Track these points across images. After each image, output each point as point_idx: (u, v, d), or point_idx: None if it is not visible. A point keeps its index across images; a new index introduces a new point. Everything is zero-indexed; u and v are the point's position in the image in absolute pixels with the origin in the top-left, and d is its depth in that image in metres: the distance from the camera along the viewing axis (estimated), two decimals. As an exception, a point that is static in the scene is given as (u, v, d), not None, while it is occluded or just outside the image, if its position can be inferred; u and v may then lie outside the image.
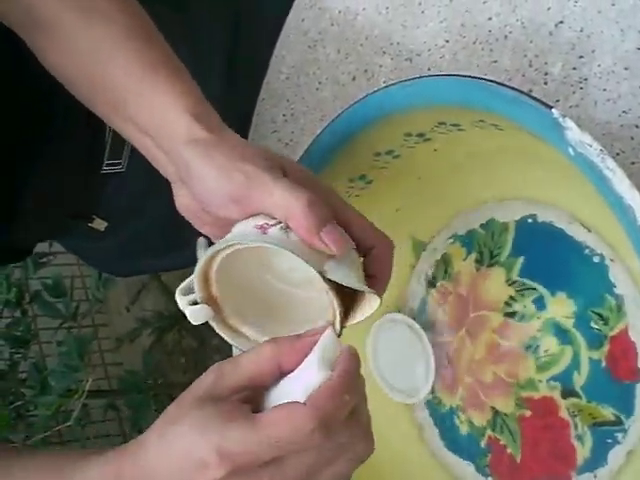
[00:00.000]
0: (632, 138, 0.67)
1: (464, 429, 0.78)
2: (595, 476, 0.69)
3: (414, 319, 0.81)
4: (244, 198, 0.57)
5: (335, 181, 0.76)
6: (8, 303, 1.81)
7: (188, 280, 0.59)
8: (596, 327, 0.67)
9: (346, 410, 0.50)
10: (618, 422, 0.67)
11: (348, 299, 0.57)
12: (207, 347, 2.56)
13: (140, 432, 0.55)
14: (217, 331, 0.60)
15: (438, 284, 0.80)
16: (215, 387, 0.52)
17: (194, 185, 0.60)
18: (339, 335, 0.56)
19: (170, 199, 0.67)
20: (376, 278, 0.60)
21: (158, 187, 0.70)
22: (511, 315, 0.73)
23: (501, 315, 0.74)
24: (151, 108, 0.63)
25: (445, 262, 0.79)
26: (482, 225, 0.75)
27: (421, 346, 0.79)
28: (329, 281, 0.54)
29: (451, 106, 0.62)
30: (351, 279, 0.55)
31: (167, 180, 0.68)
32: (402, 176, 0.77)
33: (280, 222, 0.56)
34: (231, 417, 0.49)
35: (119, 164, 0.94)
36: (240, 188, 0.57)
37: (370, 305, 0.57)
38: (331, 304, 0.56)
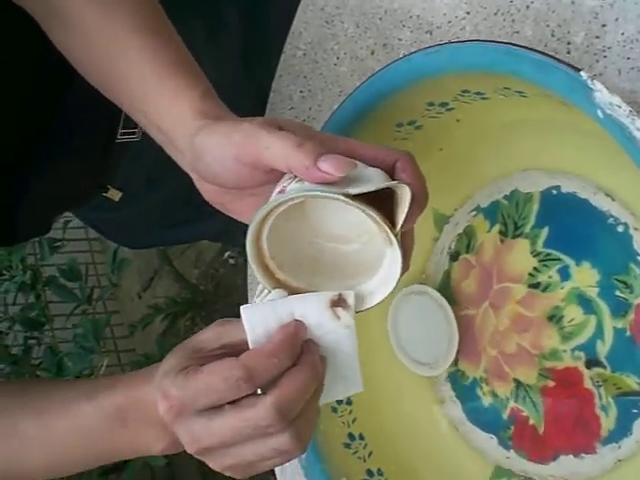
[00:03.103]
0: (657, 107, 0.66)
1: (487, 401, 0.77)
2: (620, 447, 0.69)
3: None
4: (248, 156, 0.59)
5: (357, 153, 0.75)
6: (23, 286, 1.81)
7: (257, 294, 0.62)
8: (621, 295, 0.67)
9: (272, 370, 0.56)
10: (643, 392, 0.66)
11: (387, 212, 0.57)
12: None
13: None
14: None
15: (461, 257, 0.80)
16: (198, 343, 0.60)
17: (206, 166, 0.63)
18: (396, 236, 0.57)
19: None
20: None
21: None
22: (535, 286, 0.73)
23: (525, 286, 0.74)
24: (160, 107, 0.67)
25: (468, 235, 0.79)
26: (506, 196, 0.75)
27: (444, 318, 0.79)
28: (358, 199, 0.54)
29: (476, 72, 0.62)
30: (373, 184, 0.56)
31: None
32: (424, 148, 0.76)
33: (295, 177, 0.58)
34: (183, 369, 0.58)
35: (134, 133, 0.94)
36: (241, 147, 0.59)
37: (404, 201, 0.56)
38: (375, 222, 0.56)
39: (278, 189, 0.59)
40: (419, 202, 0.59)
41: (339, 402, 0.82)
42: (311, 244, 0.63)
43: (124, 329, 2.88)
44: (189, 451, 0.60)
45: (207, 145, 0.62)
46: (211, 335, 0.60)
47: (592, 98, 0.53)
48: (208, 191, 0.67)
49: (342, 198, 0.54)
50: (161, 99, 0.67)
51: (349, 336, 0.58)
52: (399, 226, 0.57)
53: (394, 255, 0.58)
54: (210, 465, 0.60)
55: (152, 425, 0.65)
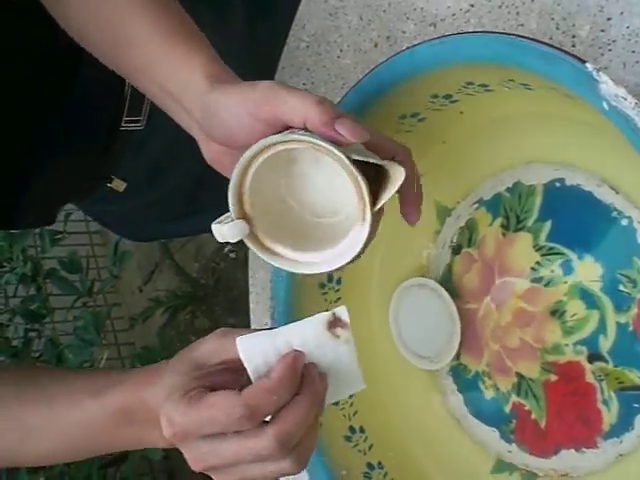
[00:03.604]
0: (662, 100, 0.66)
1: (489, 395, 0.77)
2: (621, 441, 0.68)
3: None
4: (264, 111, 0.61)
5: (360, 144, 0.75)
6: (24, 278, 1.81)
7: (225, 215, 0.63)
8: (624, 290, 0.67)
9: (273, 405, 0.57)
10: (645, 386, 0.66)
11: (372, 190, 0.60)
12: (221, 326, 2.56)
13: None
14: (251, 248, 0.64)
15: (463, 250, 0.79)
16: (198, 359, 0.62)
17: (220, 123, 0.64)
18: (370, 220, 0.60)
19: (190, 162, 0.68)
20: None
21: (178, 149, 0.72)
22: (537, 280, 0.73)
23: (527, 281, 0.73)
24: (170, 70, 0.68)
25: (470, 228, 0.78)
26: (508, 189, 0.75)
27: (446, 312, 0.79)
28: (355, 165, 0.58)
29: (481, 64, 0.61)
30: (373, 159, 0.60)
31: (187, 142, 0.71)
32: (427, 140, 0.76)
33: (302, 129, 0.60)
34: (186, 394, 0.59)
35: (138, 121, 0.94)
36: (259, 102, 0.61)
37: (395, 183, 0.60)
38: (360, 196, 0.59)
39: (284, 132, 0.61)
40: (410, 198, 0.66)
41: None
42: (284, 202, 0.65)
43: (124, 322, 2.88)
44: (194, 469, 0.61)
45: (223, 101, 0.63)
46: (211, 348, 0.62)
47: (597, 90, 0.53)
48: (211, 151, 0.69)
49: (344, 158, 0.58)
50: (171, 62, 0.68)
51: (349, 349, 0.59)
52: (379, 205, 0.60)
53: (362, 230, 0.61)
54: (214, 478, 0.62)
55: (153, 426, 0.65)
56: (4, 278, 1.98)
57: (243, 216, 0.63)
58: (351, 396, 0.82)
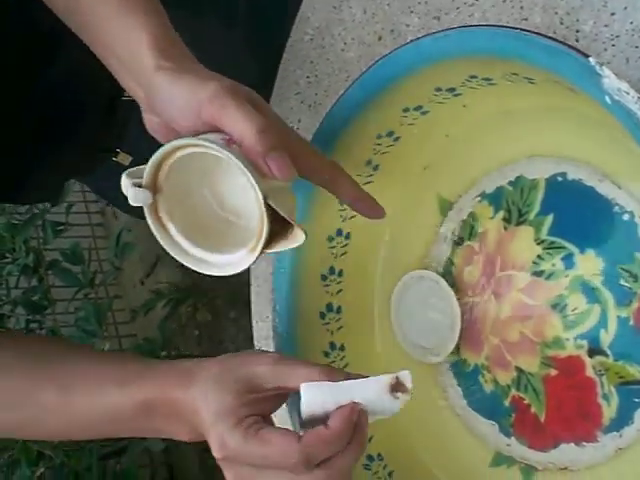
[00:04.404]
0: (665, 95, 0.66)
1: (488, 388, 0.77)
2: (621, 436, 0.69)
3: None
4: (207, 113, 0.62)
5: (362, 137, 0.75)
6: (26, 269, 1.81)
7: (138, 167, 0.65)
8: (626, 284, 0.67)
9: (328, 454, 0.60)
10: (646, 381, 0.66)
11: (271, 233, 0.64)
12: (222, 320, 2.56)
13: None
14: (147, 219, 0.66)
15: (464, 244, 0.79)
16: (257, 378, 0.64)
17: (164, 107, 0.65)
18: (258, 255, 0.65)
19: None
20: (358, 200, 0.72)
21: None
22: (538, 274, 0.73)
23: (528, 274, 0.73)
24: (122, 41, 0.69)
25: (472, 221, 0.79)
26: (511, 182, 0.75)
27: (446, 305, 0.79)
28: (267, 208, 0.61)
29: (485, 57, 0.62)
30: (287, 211, 0.62)
31: None
32: (430, 133, 0.76)
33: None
34: (244, 421, 0.62)
35: None
36: (203, 104, 0.62)
37: (294, 241, 0.64)
38: (259, 230, 0.63)
39: (226, 137, 0.62)
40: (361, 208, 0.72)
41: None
42: (198, 189, 0.68)
43: (126, 314, 2.89)
44: None
45: (169, 90, 0.64)
46: (267, 372, 0.64)
47: (600, 84, 0.53)
48: (152, 121, 0.70)
49: (261, 199, 0.61)
50: (121, 29, 0.68)
51: (400, 404, 0.62)
52: (270, 251, 0.65)
53: (248, 257, 0.65)
54: None
55: (182, 423, 0.67)
56: (6, 269, 1.98)
57: (154, 186, 0.64)
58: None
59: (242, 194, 0.65)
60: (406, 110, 0.73)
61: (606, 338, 0.68)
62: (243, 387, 0.64)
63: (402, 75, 0.68)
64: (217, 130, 0.63)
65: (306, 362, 0.66)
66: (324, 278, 0.82)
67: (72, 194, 2.17)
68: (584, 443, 0.71)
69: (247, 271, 1.08)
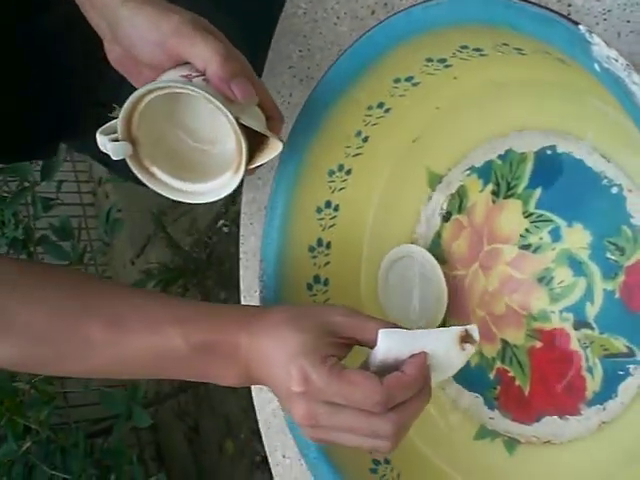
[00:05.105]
0: (655, 69, 0.66)
1: (474, 361, 0.77)
2: (604, 409, 0.69)
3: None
4: (171, 46, 0.65)
5: (353, 108, 0.75)
6: (15, 242, 1.80)
7: (110, 123, 0.67)
8: (612, 257, 0.67)
9: (405, 398, 0.63)
10: (630, 354, 0.66)
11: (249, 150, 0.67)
12: (212, 300, 2.56)
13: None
14: (132, 168, 0.69)
15: (453, 218, 0.79)
16: (335, 327, 0.66)
17: (127, 37, 0.67)
18: (243, 174, 0.68)
19: None
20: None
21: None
22: (526, 247, 0.73)
23: (516, 247, 0.73)
24: None
25: (460, 195, 0.79)
26: (500, 156, 0.75)
27: (434, 278, 0.79)
28: (241, 127, 0.65)
29: (475, 26, 0.61)
30: (260, 126, 0.67)
31: None
32: (421, 105, 0.76)
33: (202, 75, 0.65)
34: (327, 359, 0.63)
35: None
36: (168, 36, 0.65)
37: (273, 151, 0.68)
38: (239, 150, 0.66)
39: (184, 73, 0.65)
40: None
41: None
42: (172, 129, 0.70)
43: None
44: (298, 421, 0.65)
45: (133, 20, 0.66)
46: (343, 322, 0.67)
47: (590, 51, 0.53)
48: (114, 52, 0.71)
49: (233, 121, 0.64)
50: None
51: (466, 356, 0.65)
52: (253, 166, 0.68)
53: (233, 179, 0.68)
54: (305, 432, 0.66)
55: (233, 364, 0.69)
56: (-5, 243, 1.98)
57: (129, 137, 0.67)
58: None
59: (212, 123, 0.69)
60: (397, 81, 0.73)
61: (592, 311, 0.69)
62: (322, 330, 0.66)
63: (393, 44, 0.68)
64: (178, 64, 0.67)
65: (377, 318, 0.69)
66: (312, 249, 0.81)
67: (64, 173, 2.17)
68: (568, 416, 0.71)
69: (237, 252, 1.08)
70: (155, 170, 0.70)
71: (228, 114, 0.64)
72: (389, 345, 0.64)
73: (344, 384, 0.62)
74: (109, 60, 0.72)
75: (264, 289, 0.80)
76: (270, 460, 0.99)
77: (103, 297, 0.72)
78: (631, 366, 0.67)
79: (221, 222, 2.59)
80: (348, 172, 0.80)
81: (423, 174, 0.81)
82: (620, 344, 0.67)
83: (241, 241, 1.08)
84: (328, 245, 0.82)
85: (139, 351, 0.69)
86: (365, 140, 0.78)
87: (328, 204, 0.81)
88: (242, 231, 1.07)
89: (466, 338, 0.64)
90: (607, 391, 0.68)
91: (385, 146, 0.79)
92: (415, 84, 0.73)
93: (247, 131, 0.66)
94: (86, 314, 0.70)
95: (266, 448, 0.99)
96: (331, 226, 0.82)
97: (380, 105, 0.75)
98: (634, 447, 0.66)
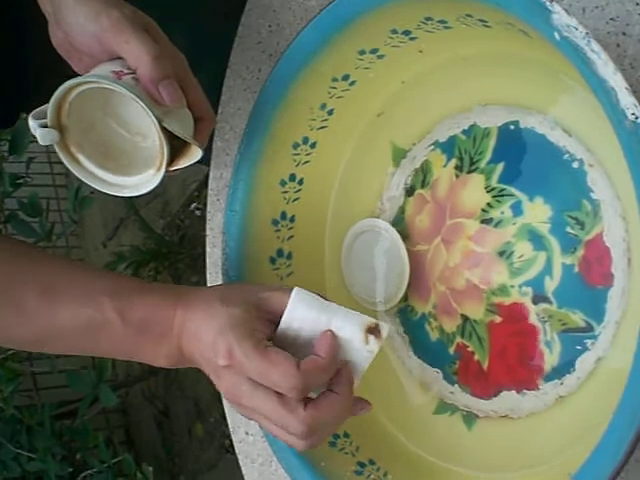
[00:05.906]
0: (618, 45, 0.66)
1: (434, 336, 0.78)
2: (562, 383, 0.69)
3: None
4: (106, 40, 0.66)
5: (318, 80, 0.75)
6: (-18, 220, 1.79)
7: (42, 107, 0.67)
8: (572, 232, 0.67)
9: (321, 383, 0.63)
10: (588, 328, 0.67)
11: (175, 151, 0.69)
12: (183, 283, 2.55)
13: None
14: (59, 155, 0.70)
15: (416, 192, 0.79)
16: (262, 301, 0.67)
17: (68, 24, 0.67)
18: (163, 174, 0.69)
19: None
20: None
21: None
22: (487, 222, 0.73)
23: (477, 222, 0.74)
24: None
25: (424, 170, 0.79)
26: (464, 131, 0.75)
27: (396, 253, 0.79)
28: (164, 130, 0.66)
29: (438, -4, 0.61)
30: (182, 131, 0.67)
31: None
32: (386, 79, 0.76)
33: (133, 73, 0.66)
34: (253, 335, 0.63)
35: None
36: (104, 30, 0.65)
37: (192, 157, 0.68)
38: (160, 151, 0.68)
39: (115, 69, 0.66)
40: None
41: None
42: (103, 119, 0.72)
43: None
44: (225, 395, 0.66)
45: (75, 11, 0.66)
46: (269, 295, 0.67)
47: (550, 20, 0.53)
48: (57, 37, 0.71)
49: (156, 123, 0.65)
50: None
51: (367, 358, 0.65)
52: (172, 169, 0.69)
53: (155, 177, 0.69)
54: (233, 405, 0.67)
55: (165, 344, 0.69)
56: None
57: (59, 124, 0.68)
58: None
59: (142, 118, 0.69)
60: (362, 52, 0.72)
61: (550, 285, 0.69)
62: (251, 304, 0.66)
63: (357, 15, 0.68)
64: (114, 58, 0.67)
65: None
66: (275, 223, 0.81)
67: (35, 154, 2.15)
68: (525, 390, 0.71)
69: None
70: (81, 158, 0.71)
71: (152, 116, 0.65)
72: (298, 306, 0.65)
73: (264, 361, 0.62)
74: (52, 42, 0.72)
75: (226, 261, 0.80)
76: (233, 437, 0.99)
77: (39, 266, 0.71)
78: (589, 341, 0.67)
79: (193, 205, 2.58)
80: (313, 145, 0.79)
81: (387, 148, 0.81)
82: (578, 318, 0.67)
83: (208, 217, 1.07)
84: (292, 219, 0.82)
85: (72, 321, 0.68)
86: (330, 113, 0.78)
87: (292, 177, 0.81)
88: (209, 207, 1.07)
89: (373, 330, 0.64)
90: (565, 365, 0.69)
91: (350, 119, 0.79)
92: (380, 56, 0.73)
93: (172, 133, 0.67)
94: (20, 281, 0.69)
95: (230, 426, 0.99)
96: (295, 199, 0.81)
97: (345, 77, 0.75)
98: (584, 424, 0.66)
